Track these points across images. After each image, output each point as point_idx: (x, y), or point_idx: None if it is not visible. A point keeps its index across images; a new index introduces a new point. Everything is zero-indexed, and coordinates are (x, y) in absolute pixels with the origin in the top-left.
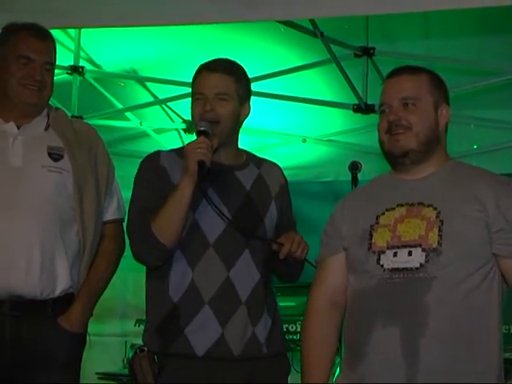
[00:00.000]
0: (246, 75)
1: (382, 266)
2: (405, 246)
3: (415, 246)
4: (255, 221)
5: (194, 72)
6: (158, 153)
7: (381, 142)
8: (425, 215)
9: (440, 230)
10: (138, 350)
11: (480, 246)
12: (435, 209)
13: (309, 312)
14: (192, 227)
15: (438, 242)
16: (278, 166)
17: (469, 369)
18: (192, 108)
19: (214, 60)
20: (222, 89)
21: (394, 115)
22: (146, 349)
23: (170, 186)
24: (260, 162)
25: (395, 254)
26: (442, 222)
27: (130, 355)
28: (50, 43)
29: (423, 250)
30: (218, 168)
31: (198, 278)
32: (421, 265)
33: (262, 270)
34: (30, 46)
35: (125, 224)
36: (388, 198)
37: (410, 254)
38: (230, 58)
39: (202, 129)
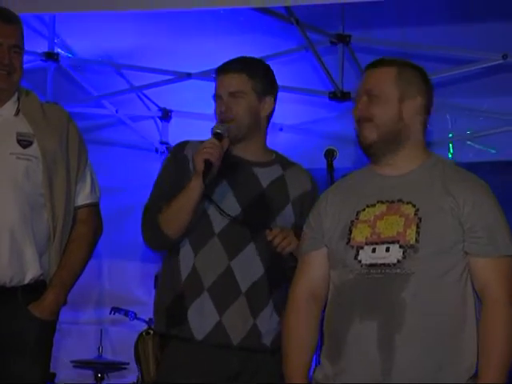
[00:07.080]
0: (265, 70)
1: (360, 261)
2: (383, 243)
3: (393, 243)
4: (265, 218)
5: (169, 59)
6: (185, 141)
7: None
8: (403, 212)
9: (418, 227)
10: (143, 333)
11: (456, 243)
12: (414, 206)
13: (290, 305)
14: (200, 215)
15: (416, 238)
16: (308, 173)
17: (443, 366)
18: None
19: (229, 60)
20: (235, 87)
21: (358, 109)
22: (151, 332)
23: (189, 174)
24: (289, 164)
25: (374, 250)
26: (420, 219)
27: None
28: (17, 27)
29: (401, 246)
30: (234, 161)
31: (200, 264)
32: (398, 261)
33: (268, 265)
34: None
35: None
36: (369, 194)
37: (387, 250)
38: (208, 45)
39: (217, 131)
